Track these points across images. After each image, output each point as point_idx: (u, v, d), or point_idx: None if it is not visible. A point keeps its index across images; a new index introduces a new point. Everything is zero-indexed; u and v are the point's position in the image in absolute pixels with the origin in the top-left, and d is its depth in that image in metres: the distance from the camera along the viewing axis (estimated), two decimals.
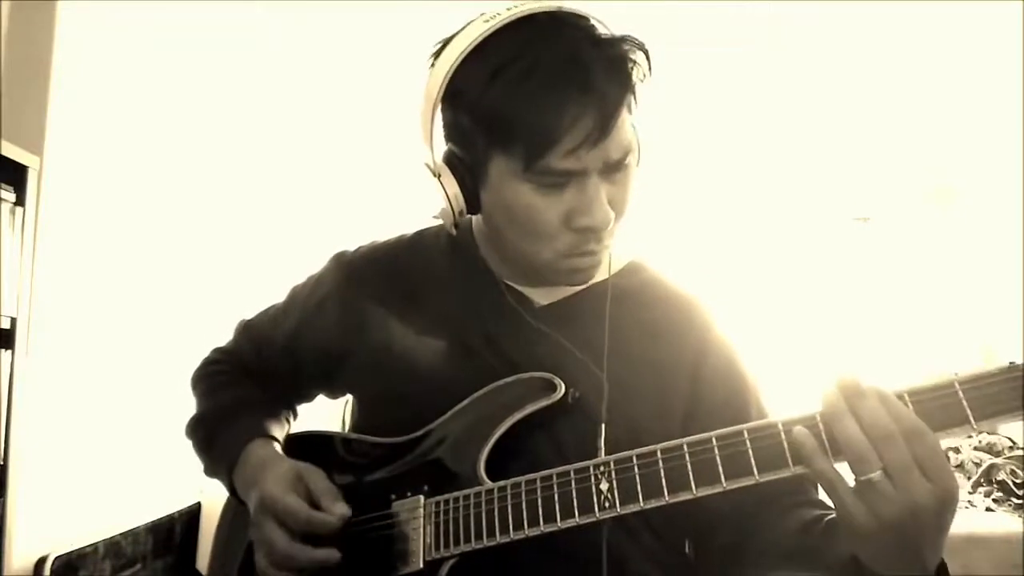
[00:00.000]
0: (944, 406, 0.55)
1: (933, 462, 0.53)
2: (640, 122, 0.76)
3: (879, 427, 0.53)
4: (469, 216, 0.79)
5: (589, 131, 0.67)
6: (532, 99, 0.67)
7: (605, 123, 0.67)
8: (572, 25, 0.70)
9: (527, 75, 0.67)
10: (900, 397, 0.56)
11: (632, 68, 0.71)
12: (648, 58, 0.72)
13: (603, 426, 0.72)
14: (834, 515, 0.69)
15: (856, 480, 0.55)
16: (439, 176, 0.75)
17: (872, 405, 0.54)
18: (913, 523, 0.53)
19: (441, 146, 0.77)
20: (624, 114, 0.70)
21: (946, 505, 0.54)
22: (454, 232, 0.81)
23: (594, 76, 0.67)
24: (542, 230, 0.73)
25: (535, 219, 0.72)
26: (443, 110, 0.75)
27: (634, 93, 0.72)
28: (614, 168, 0.72)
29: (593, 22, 0.72)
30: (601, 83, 0.67)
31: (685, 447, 0.62)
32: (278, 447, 0.86)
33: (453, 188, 0.75)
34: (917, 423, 0.53)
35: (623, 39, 0.71)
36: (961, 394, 0.55)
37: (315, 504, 0.76)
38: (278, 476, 0.77)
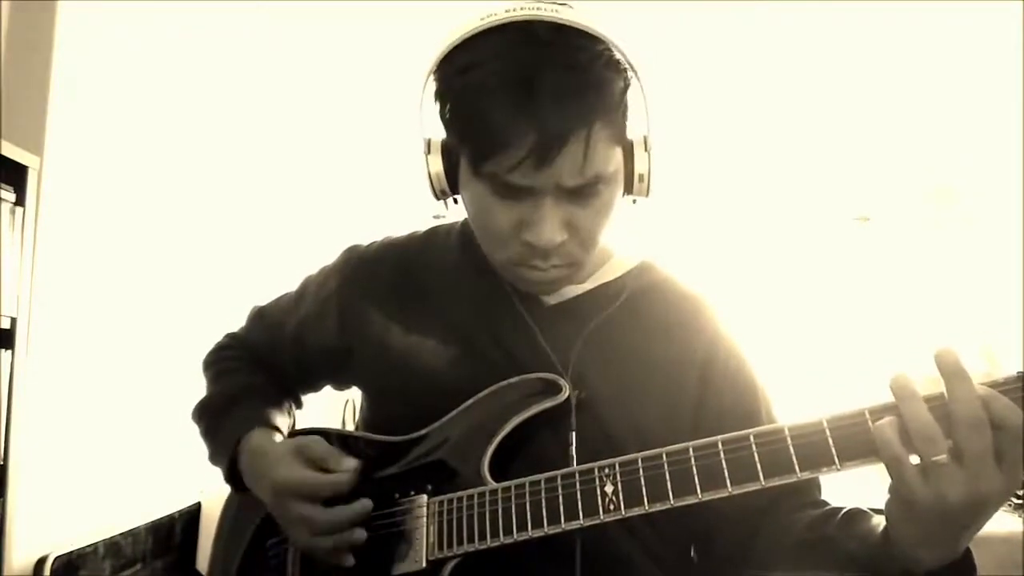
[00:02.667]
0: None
1: (1011, 454, 0.52)
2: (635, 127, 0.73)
3: (968, 412, 0.52)
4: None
5: (526, 154, 0.65)
6: (480, 108, 0.66)
7: (544, 151, 0.64)
8: (549, 44, 0.65)
9: (482, 84, 0.66)
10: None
11: (606, 98, 0.67)
12: (639, 82, 0.69)
13: (572, 434, 0.72)
14: (848, 507, 0.69)
15: (923, 461, 0.54)
16: (427, 154, 0.76)
17: (965, 390, 0.53)
18: (973, 510, 0.54)
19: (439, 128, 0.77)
20: (593, 143, 0.66)
21: (1005, 497, 0.54)
22: (442, 202, 0.81)
23: (540, 104, 0.64)
24: (494, 233, 0.73)
25: (488, 221, 0.73)
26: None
27: (604, 121, 0.67)
28: (577, 192, 0.69)
29: (583, 41, 0.66)
30: (546, 112, 0.64)
31: (691, 451, 0.62)
32: (279, 436, 0.86)
33: (437, 167, 0.75)
34: (1007, 413, 0.52)
35: (606, 65, 0.67)
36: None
37: (323, 469, 0.76)
38: (281, 459, 0.78)
